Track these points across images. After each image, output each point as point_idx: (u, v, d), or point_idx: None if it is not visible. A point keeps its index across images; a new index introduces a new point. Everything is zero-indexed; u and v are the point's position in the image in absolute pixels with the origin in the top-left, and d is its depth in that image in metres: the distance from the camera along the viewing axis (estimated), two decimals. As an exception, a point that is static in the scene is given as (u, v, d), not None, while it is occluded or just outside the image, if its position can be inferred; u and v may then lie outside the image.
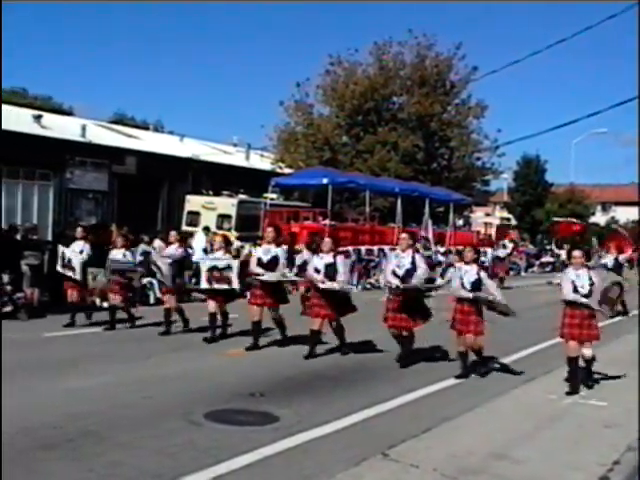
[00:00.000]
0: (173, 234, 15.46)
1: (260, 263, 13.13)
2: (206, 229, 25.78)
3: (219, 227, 30.01)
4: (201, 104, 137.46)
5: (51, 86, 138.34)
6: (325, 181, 29.68)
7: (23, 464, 6.71)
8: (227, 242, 15.01)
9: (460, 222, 40.35)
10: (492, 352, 12.05)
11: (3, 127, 31.90)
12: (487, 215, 61.64)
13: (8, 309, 16.52)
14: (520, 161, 61.34)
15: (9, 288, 16.54)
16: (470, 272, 11.21)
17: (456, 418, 8.89)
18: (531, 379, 11.10)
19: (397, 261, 11.98)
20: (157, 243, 20.21)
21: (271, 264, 13.07)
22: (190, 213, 33.01)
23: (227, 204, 32.47)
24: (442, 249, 30.91)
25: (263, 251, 13.35)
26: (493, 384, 10.78)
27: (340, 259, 12.73)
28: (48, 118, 38.92)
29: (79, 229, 16.22)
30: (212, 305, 13.89)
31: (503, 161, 44.60)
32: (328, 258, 12.62)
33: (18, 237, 18.66)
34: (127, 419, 8.31)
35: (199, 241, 23.35)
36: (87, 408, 8.71)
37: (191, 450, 7.25)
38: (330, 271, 12.44)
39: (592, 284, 10.38)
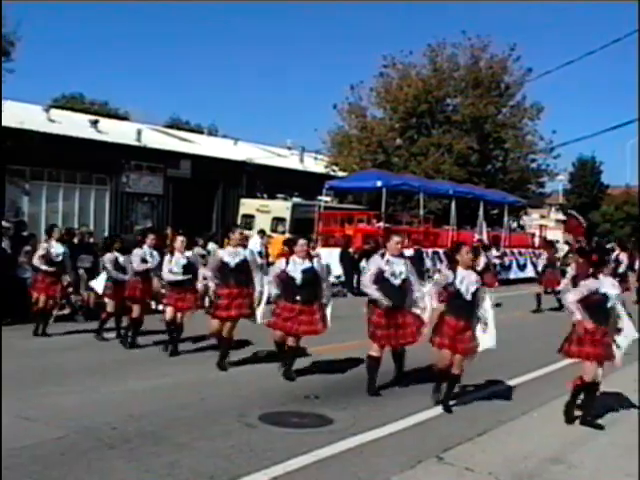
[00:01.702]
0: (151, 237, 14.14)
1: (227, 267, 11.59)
2: (261, 232, 25.93)
3: (273, 230, 30.18)
4: (255, 108, 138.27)
5: (107, 91, 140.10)
6: (379, 184, 29.65)
7: (83, 463, 6.83)
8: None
9: (514, 224, 40.04)
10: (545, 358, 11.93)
11: (61, 132, 32.52)
12: (542, 217, 61.06)
13: (66, 311, 16.79)
14: (576, 163, 60.77)
15: (67, 291, 16.76)
16: (470, 279, 9.43)
17: (511, 422, 8.85)
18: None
19: (390, 269, 10.15)
20: (211, 246, 20.37)
21: (239, 268, 11.58)
22: (245, 216, 33.19)
23: (281, 207, 32.60)
24: (496, 252, 30.65)
25: (229, 253, 11.70)
26: (549, 388, 10.66)
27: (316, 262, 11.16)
28: (104, 123, 39.48)
29: (56, 230, 15.64)
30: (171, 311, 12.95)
31: (558, 163, 44.21)
32: (306, 264, 10.99)
33: (75, 241, 18.93)
34: (183, 420, 8.39)
35: (254, 244, 23.47)
36: (144, 409, 8.83)
37: (247, 452, 7.29)
38: (309, 278, 10.90)
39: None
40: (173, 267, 12.94)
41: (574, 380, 8.85)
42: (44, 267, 14.56)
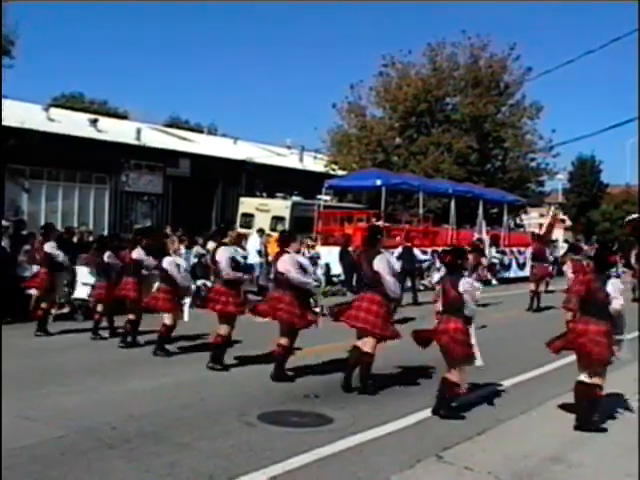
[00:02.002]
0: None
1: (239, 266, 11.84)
2: (260, 231, 25.92)
3: (273, 229, 30.12)
4: (254, 107, 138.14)
5: (107, 90, 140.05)
6: (378, 183, 29.63)
7: (83, 463, 6.85)
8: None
9: (512, 223, 40.03)
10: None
11: (61, 132, 32.53)
12: (542, 216, 61.03)
13: (66, 310, 16.79)
14: (575, 162, 60.74)
15: (66, 290, 16.77)
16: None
17: (510, 421, 8.86)
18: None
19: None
20: (210, 245, 20.36)
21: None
22: (244, 215, 33.17)
23: (281, 206, 32.58)
24: (495, 252, 30.66)
25: (236, 252, 11.96)
26: (547, 387, 10.68)
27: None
28: (104, 122, 39.49)
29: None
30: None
31: (558, 162, 44.29)
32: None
33: (74, 240, 18.94)
34: (183, 420, 8.40)
35: (253, 243, 23.46)
36: (144, 409, 8.84)
37: (246, 451, 7.31)
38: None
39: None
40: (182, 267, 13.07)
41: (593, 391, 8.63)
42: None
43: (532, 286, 21.84)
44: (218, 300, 11.44)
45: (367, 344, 10.08)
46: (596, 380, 8.57)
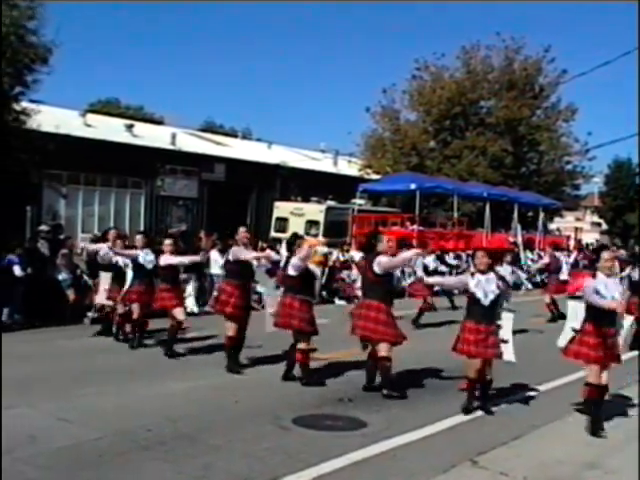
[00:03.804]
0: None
1: None
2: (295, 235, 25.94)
3: (307, 233, 30.16)
4: (289, 111, 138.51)
5: (142, 96, 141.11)
6: (413, 186, 29.63)
7: (119, 464, 6.91)
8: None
9: (551, 226, 39.76)
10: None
11: (97, 137, 32.87)
12: (577, 220, 60.59)
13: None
14: (611, 164, 60.12)
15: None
16: (490, 284, 9.26)
17: (546, 426, 8.79)
18: (621, 388, 10.82)
19: None
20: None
21: None
22: (278, 219, 33.29)
23: (315, 210, 32.64)
24: (531, 255, 30.49)
25: None
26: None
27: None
28: (140, 127, 39.85)
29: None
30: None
31: (594, 164, 43.96)
32: None
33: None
34: (218, 423, 8.44)
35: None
36: (180, 411, 8.87)
37: (281, 454, 7.33)
38: None
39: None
40: None
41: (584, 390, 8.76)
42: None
43: (547, 299, 19.93)
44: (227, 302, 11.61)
45: (382, 349, 10.10)
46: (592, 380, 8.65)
